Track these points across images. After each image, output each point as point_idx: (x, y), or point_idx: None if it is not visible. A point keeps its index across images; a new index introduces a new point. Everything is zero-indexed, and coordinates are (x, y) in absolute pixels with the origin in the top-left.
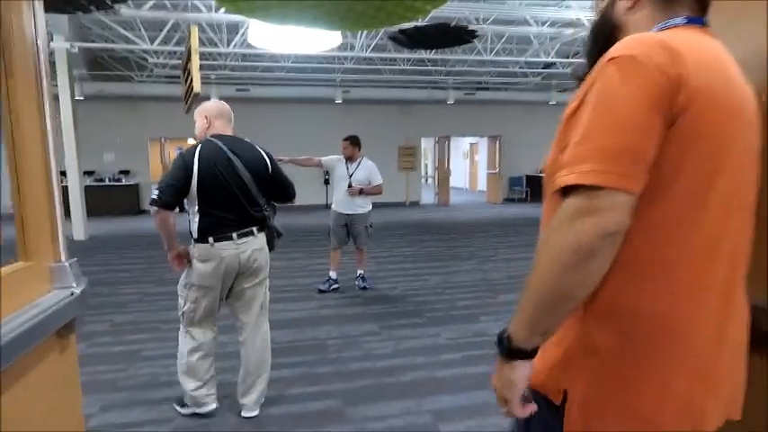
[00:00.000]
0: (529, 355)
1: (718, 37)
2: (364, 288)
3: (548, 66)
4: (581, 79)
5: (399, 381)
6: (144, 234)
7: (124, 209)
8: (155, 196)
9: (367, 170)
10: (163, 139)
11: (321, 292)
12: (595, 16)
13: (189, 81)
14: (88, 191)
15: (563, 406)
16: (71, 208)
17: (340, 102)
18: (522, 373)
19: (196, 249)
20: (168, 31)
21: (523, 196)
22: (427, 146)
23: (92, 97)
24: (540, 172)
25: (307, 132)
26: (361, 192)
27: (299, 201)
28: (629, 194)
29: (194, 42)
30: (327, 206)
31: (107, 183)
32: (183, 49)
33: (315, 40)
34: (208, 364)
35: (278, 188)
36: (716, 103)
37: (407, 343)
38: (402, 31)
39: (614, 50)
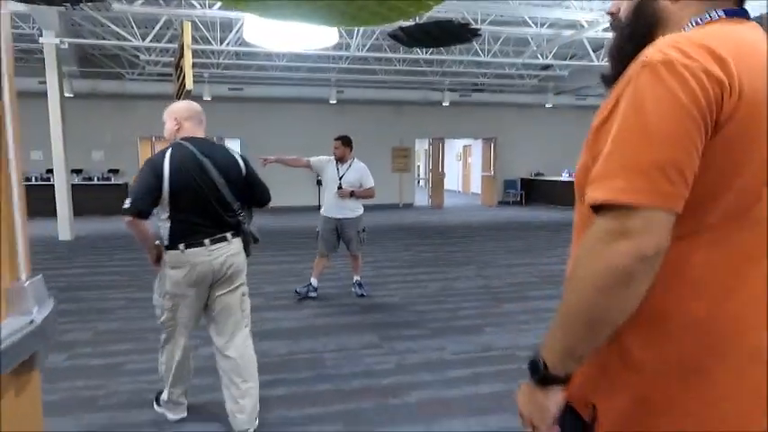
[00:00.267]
0: (563, 380)
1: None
2: (362, 296)
3: (545, 68)
4: (611, 83)
5: (405, 402)
6: (133, 235)
7: (113, 209)
8: (127, 205)
9: (358, 172)
10: (154, 138)
11: (297, 293)
12: (628, 8)
13: (181, 78)
14: (75, 190)
15: (593, 422)
16: (57, 207)
17: (334, 102)
18: (556, 399)
19: (167, 256)
20: (160, 28)
21: (518, 199)
22: (420, 147)
23: (82, 95)
24: (536, 175)
25: (300, 132)
26: (352, 194)
27: (290, 202)
28: (667, 213)
29: (187, 38)
30: (320, 208)
31: (96, 182)
32: (175, 46)
33: (311, 37)
34: (186, 373)
35: (253, 192)
36: (763, 108)
37: (411, 357)
38: (402, 29)
39: (648, 53)
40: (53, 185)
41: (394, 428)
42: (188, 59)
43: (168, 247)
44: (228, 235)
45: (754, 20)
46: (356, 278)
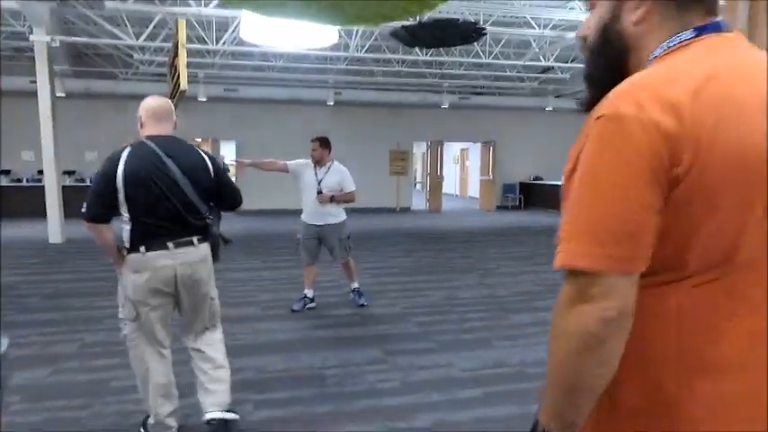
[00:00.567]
0: None
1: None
2: (362, 305)
3: (545, 70)
4: (588, 108)
5: (414, 427)
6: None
7: None
8: (83, 210)
9: (338, 175)
10: None
11: (294, 311)
12: (594, 34)
13: (175, 78)
14: (67, 191)
15: None
16: (47, 209)
17: (332, 104)
18: None
19: (128, 260)
20: (155, 27)
21: (517, 203)
22: (417, 150)
23: (75, 94)
24: (535, 179)
25: (296, 135)
26: (332, 199)
27: (285, 204)
28: (625, 276)
29: (182, 37)
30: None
31: (88, 183)
32: (169, 45)
33: (310, 36)
34: (169, 390)
35: (222, 194)
36: (729, 153)
37: (417, 374)
38: (405, 27)
39: (603, 106)
40: (43, 187)
41: None
42: (182, 58)
43: (129, 251)
44: (194, 239)
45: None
46: (353, 285)
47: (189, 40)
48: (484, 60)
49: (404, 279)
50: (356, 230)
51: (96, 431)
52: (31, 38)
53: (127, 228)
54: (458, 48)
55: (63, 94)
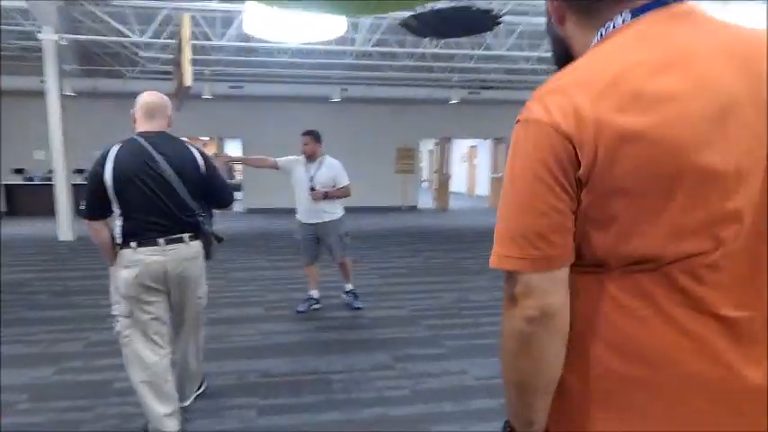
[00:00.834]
0: None
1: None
2: (358, 308)
3: None
4: None
5: None
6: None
7: None
8: (82, 207)
9: (331, 170)
10: None
11: (300, 313)
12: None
13: (180, 75)
14: (77, 189)
15: None
16: (57, 207)
17: (337, 100)
18: None
19: (120, 255)
20: (159, 25)
21: None
22: (423, 148)
23: (84, 93)
24: None
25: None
26: (326, 196)
27: (291, 203)
28: (541, 273)
29: (186, 32)
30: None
31: None
32: (175, 41)
33: (316, 28)
34: (167, 389)
35: (212, 192)
36: (633, 152)
37: (428, 382)
38: (416, 16)
39: (523, 109)
40: (53, 185)
41: None
42: (186, 54)
43: (121, 246)
44: (186, 236)
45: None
46: (348, 287)
47: (194, 36)
48: (496, 53)
49: (412, 280)
50: (362, 229)
51: None
52: (40, 36)
53: (119, 223)
54: (468, 40)
55: (72, 93)
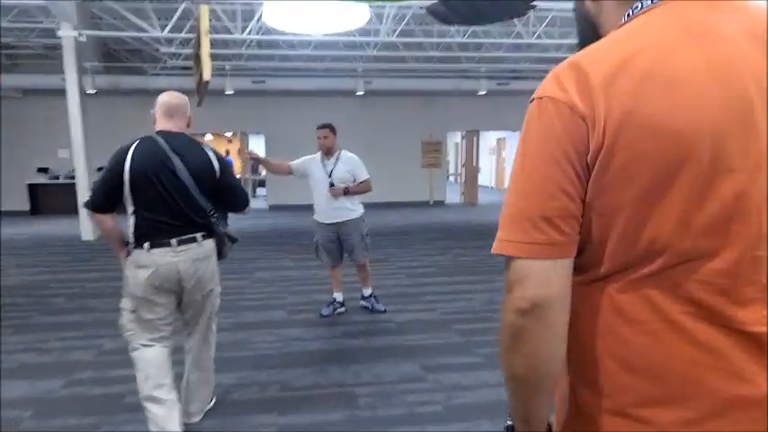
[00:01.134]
0: None
1: None
2: (382, 311)
3: None
4: None
5: None
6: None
7: None
8: (86, 198)
9: (349, 164)
10: None
11: (323, 317)
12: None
13: (199, 69)
14: None
15: None
16: (79, 206)
17: (361, 93)
18: None
19: (132, 255)
20: (179, 19)
21: None
22: (450, 141)
23: (105, 91)
24: None
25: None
26: (346, 192)
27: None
28: (540, 261)
29: (204, 23)
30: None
31: None
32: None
33: (338, 18)
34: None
35: (226, 195)
36: (642, 134)
37: (462, 396)
38: (444, 2)
39: (539, 87)
40: (75, 184)
41: None
42: (205, 47)
43: (135, 246)
44: (198, 236)
45: None
46: (366, 292)
47: (215, 31)
48: (526, 41)
49: (442, 280)
50: (387, 225)
51: None
52: (59, 33)
53: (131, 222)
54: (497, 28)
55: (94, 91)
